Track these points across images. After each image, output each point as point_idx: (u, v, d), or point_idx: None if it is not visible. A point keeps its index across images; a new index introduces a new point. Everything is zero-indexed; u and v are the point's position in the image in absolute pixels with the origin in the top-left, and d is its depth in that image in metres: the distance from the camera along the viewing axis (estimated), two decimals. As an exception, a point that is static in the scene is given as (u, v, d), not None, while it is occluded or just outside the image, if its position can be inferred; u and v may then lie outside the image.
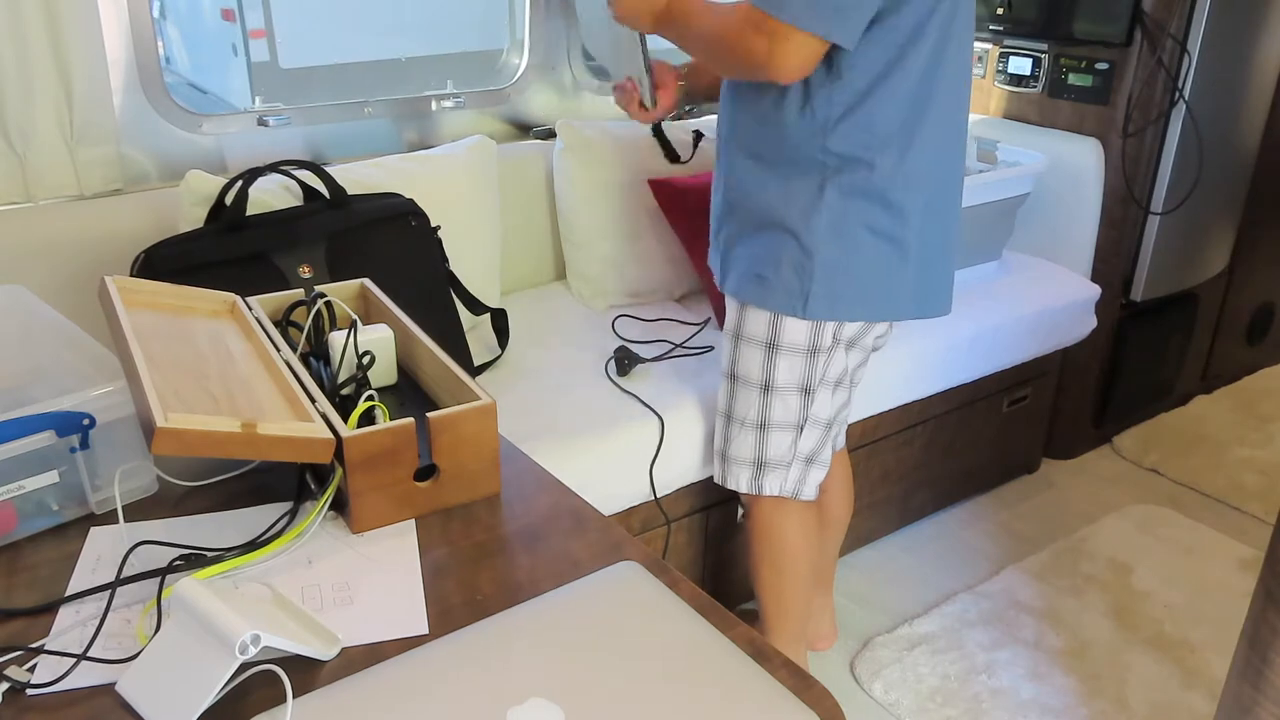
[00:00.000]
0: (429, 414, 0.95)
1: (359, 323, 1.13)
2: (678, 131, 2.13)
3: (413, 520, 0.97)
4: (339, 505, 0.96)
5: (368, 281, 1.22)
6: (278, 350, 1.07)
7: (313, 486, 0.98)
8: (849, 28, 1.25)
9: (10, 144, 1.67)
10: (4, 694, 0.74)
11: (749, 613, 1.99)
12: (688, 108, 1.90)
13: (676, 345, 1.95)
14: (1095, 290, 2.39)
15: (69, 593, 0.85)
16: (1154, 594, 2.12)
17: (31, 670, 0.77)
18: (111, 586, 0.84)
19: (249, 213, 1.62)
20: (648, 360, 1.87)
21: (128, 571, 0.86)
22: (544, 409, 1.72)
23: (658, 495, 1.73)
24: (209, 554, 0.88)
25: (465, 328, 1.84)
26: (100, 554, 0.91)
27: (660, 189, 2.07)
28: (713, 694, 0.74)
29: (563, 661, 0.77)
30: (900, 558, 2.26)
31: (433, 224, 1.77)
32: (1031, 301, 2.25)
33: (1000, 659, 1.92)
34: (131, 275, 1.54)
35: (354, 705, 0.72)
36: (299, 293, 1.19)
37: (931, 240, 1.44)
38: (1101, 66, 2.36)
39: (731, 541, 1.96)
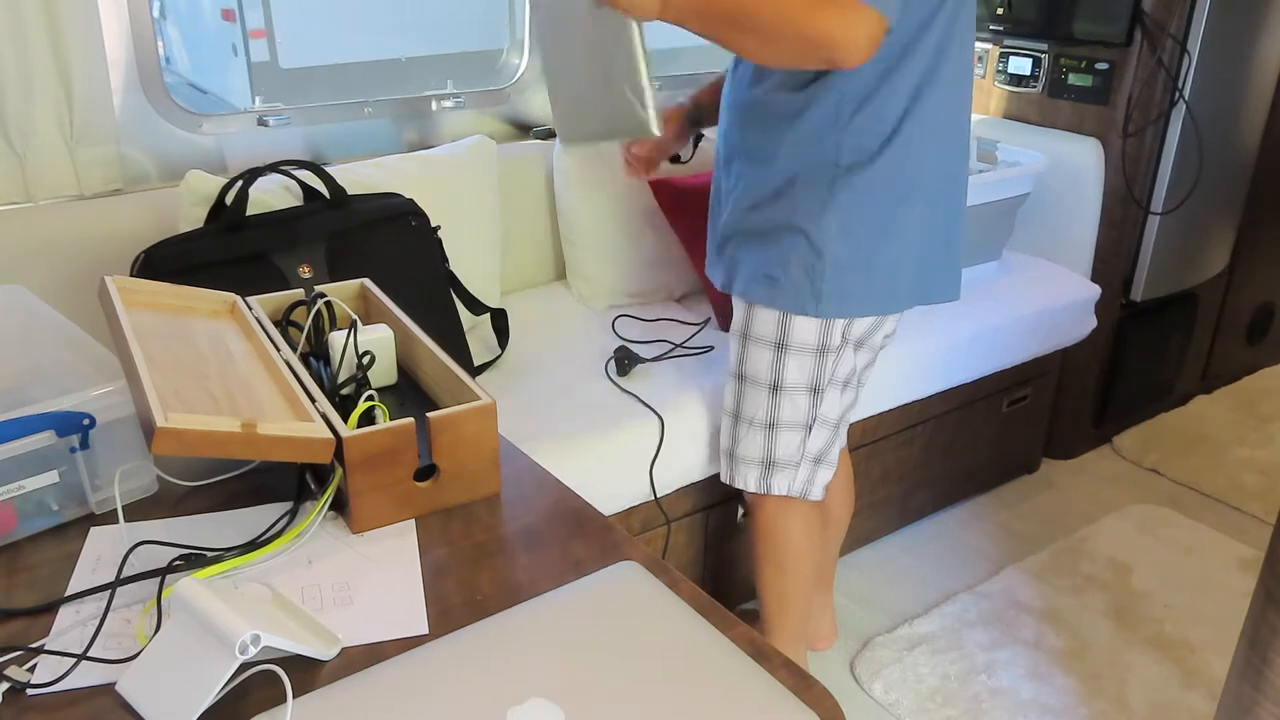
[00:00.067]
0: (429, 414, 0.95)
1: (359, 323, 1.13)
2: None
3: (413, 520, 0.97)
4: (339, 505, 0.96)
5: (368, 281, 1.22)
6: (278, 350, 1.07)
7: (313, 486, 0.98)
8: (895, 13, 1.23)
9: (10, 144, 1.67)
10: (4, 694, 0.74)
11: (749, 613, 1.99)
12: (696, 136, 1.75)
13: (676, 345, 1.95)
14: (1095, 290, 2.39)
15: (69, 593, 0.85)
16: (1154, 594, 2.12)
17: (31, 670, 0.77)
18: (111, 586, 0.84)
19: (249, 213, 1.62)
20: (648, 360, 1.87)
21: (128, 571, 0.86)
22: (544, 409, 1.72)
23: (658, 495, 1.73)
24: (209, 554, 0.88)
25: (465, 328, 1.84)
26: (100, 554, 0.91)
27: (660, 189, 2.07)
28: (713, 694, 0.74)
29: (563, 661, 0.77)
30: (900, 558, 2.26)
31: (433, 224, 1.77)
32: (1031, 301, 2.25)
33: (1000, 659, 1.92)
34: (131, 275, 1.54)
35: (354, 705, 0.72)
36: (299, 293, 1.19)
37: (939, 230, 1.45)
38: (1101, 66, 2.36)
39: (731, 541, 1.96)
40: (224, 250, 1.56)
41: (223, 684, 0.71)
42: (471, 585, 0.87)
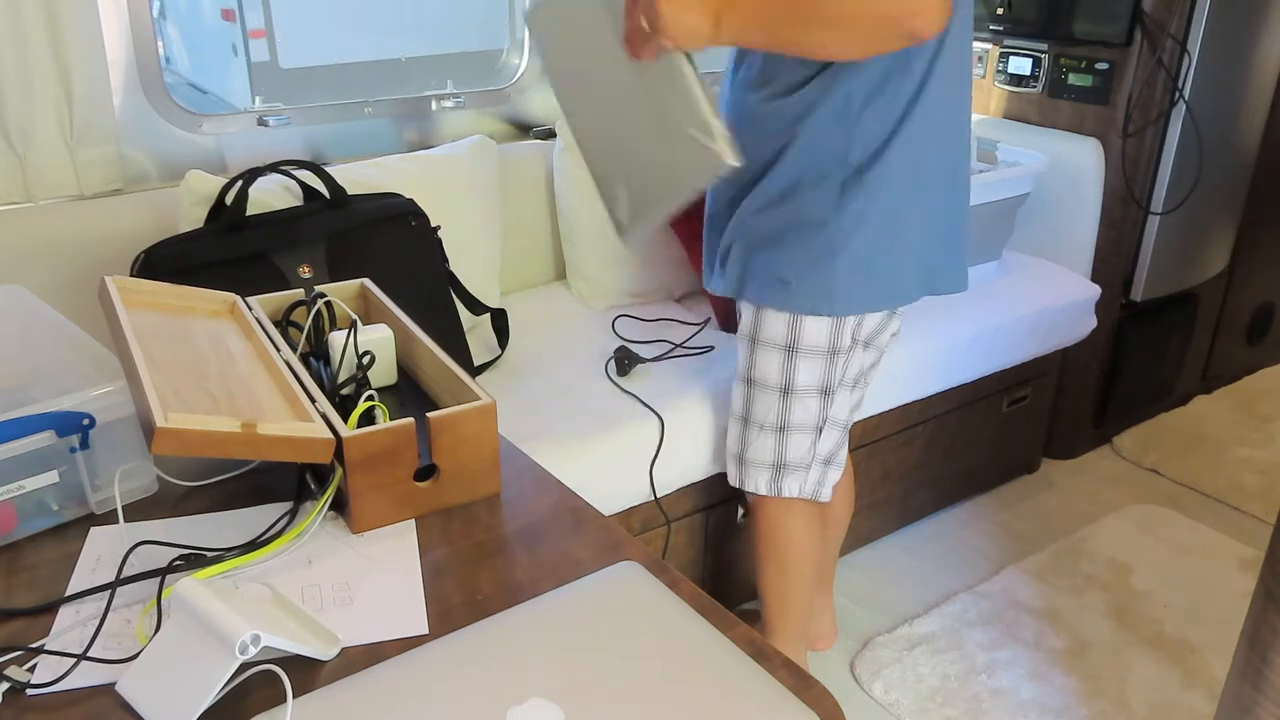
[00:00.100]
0: (429, 414, 0.95)
1: (359, 323, 1.13)
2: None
3: (413, 520, 0.97)
4: (339, 505, 0.96)
5: (368, 281, 1.22)
6: (278, 350, 1.07)
7: (313, 486, 0.98)
8: None
9: (10, 144, 1.67)
10: (4, 694, 0.74)
11: (749, 613, 1.99)
12: None
13: (676, 345, 1.95)
14: (1095, 290, 2.39)
15: (69, 593, 0.85)
16: (1154, 594, 2.12)
17: (31, 670, 0.77)
18: (111, 586, 0.84)
19: (249, 213, 1.62)
20: (648, 360, 1.87)
21: (128, 571, 0.86)
22: (544, 409, 1.72)
23: (658, 495, 1.73)
24: (209, 554, 0.88)
25: (465, 328, 1.84)
26: (100, 554, 0.91)
27: (660, 189, 2.06)
28: (713, 694, 0.74)
29: (563, 661, 0.77)
30: (900, 558, 2.26)
31: (433, 224, 1.77)
32: (1031, 301, 2.25)
33: (1000, 659, 1.92)
34: (131, 275, 1.54)
35: (354, 705, 0.72)
36: (299, 293, 1.19)
37: (946, 221, 1.46)
38: (1101, 66, 2.36)
39: (731, 541, 1.96)
40: (224, 250, 1.56)
41: (223, 684, 0.71)
42: (471, 585, 0.87)
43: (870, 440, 2.10)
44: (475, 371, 1.82)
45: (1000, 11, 2.47)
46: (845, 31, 1.15)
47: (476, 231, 1.95)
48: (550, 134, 2.26)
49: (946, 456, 2.31)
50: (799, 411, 1.53)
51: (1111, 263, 2.48)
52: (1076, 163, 2.42)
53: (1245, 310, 2.98)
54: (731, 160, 1.13)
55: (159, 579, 0.85)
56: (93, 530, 0.94)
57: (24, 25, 1.61)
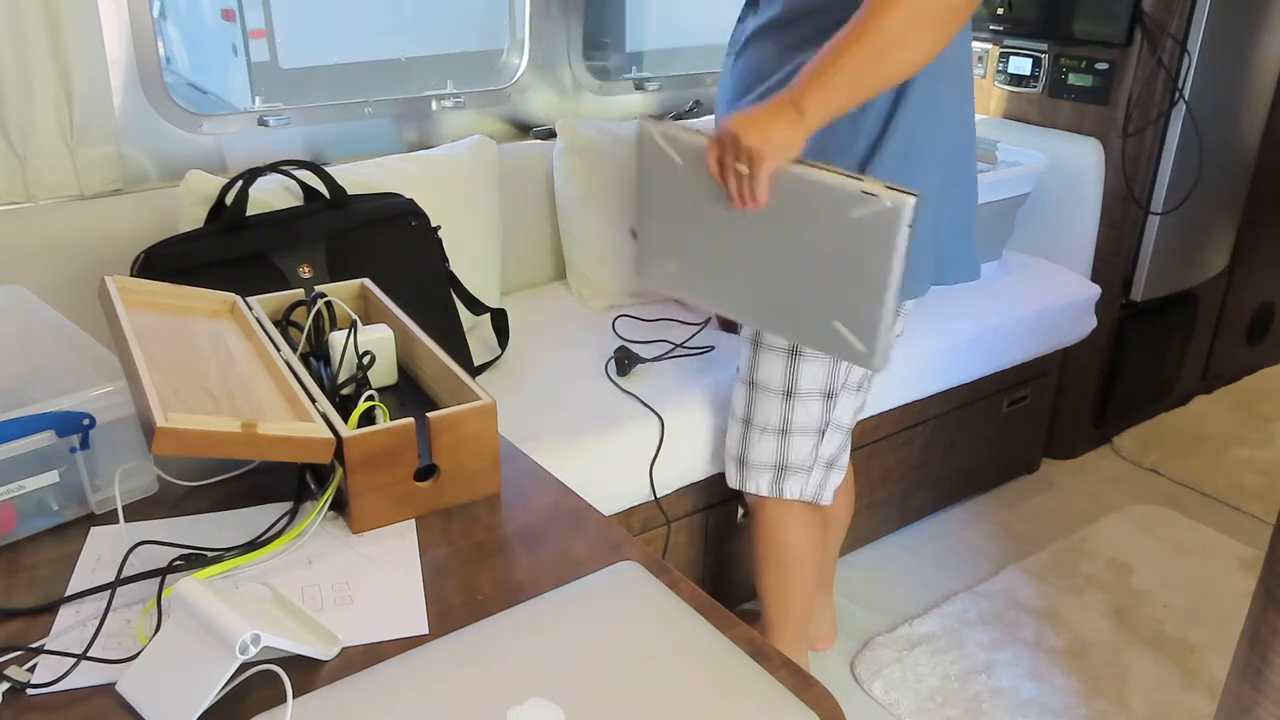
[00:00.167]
0: (429, 414, 0.95)
1: (359, 323, 1.13)
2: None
3: (413, 520, 0.97)
4: (339, 505, 0.96)
5: (368, 281, 1.22)
6: (278, 350, 1.07)
7: (313, 486, 0.98)
8: None
9: (10, 144, 1.67)
10: (4, 694, 0.74)
11: (749, 613, 1.99)
12: None
13: (676, 345, 1.95)
14: (1095, 290, 2.39)
15: (69, 593, 0.85)
16: (1154, 594, 2.12)
17: (31, 670, 0.77)
18: (111, 586, 0.84)
19: (249, 213, 1.62)
20: (648, 360, 1.87)
21: (128, 571, 0.86)
22: (544, 409, 1.72)
23: (658, 495, 1.73)
24: (209, 554, 0.88)
25: (465, 328, 1.84)
26: (100, 554, 0.91)
27: (660, 189, 2.06)
28: (713, 694, 0.74)
29: (563, 661, 0.77)
30: (900, 558, 2.26)
31: (433, 224, 1.77)
32: (1031, 301, 2.25)
33: (1000, 659, 1.92)
34: (131, 275, 1.54)
35: (354, 705, 0.72)
36: (299, 293, 1.19)
37: (950, 213, 1.45)
38: (1101, 66, 2.36)
39: (731, 541, 1.96)
40: (224, 250, 1.56)
41: (223, 684, 0.71)
42: (471, 585, 0.87)
43: (870, 440, 2.10)
44: (475, 371, 1.82)
45: (1000, 11, 2.47)
46: (919, 40, 1.15)
47: (476, 231, 1.95)
48: (550, 134, 2.25)
49: (946, 456, 2.31)
50: (802, 414, 1.53)
51: (1111, 263, 2.48)
52: (1076, 163, 2.42)
53: (1245, 310, 2.98)
54: (908, 193, 1.09)
55: (159, 579, 0.85)
56: (93, 530, 0.94)
57: (24, 25, 1.61)
